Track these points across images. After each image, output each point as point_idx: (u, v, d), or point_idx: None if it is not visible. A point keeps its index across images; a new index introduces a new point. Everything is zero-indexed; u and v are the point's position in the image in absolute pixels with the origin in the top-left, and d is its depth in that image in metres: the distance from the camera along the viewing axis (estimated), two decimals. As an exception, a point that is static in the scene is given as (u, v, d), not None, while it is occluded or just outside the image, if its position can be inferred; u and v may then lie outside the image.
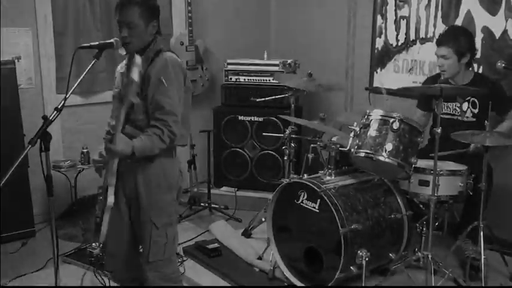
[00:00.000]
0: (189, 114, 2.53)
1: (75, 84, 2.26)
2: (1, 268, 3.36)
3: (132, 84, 2.23)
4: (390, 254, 3.11)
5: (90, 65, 2.27)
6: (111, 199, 2.32)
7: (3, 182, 1.95)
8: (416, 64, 4.16)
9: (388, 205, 3.18)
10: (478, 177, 3.13)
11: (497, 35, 3.62)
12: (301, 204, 3.12)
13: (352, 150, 3.08)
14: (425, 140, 3.58)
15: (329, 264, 2.99)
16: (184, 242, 3.72)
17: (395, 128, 2.99)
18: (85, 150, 4.14)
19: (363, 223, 2.99)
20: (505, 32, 3.58)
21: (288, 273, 3.23)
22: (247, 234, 3.91)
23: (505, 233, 3.49)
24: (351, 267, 2.92)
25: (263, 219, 3.75)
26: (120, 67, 2.56)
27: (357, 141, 3.08)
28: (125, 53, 2.40)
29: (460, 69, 3.42)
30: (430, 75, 3.88)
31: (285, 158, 3.72)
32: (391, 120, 3.01)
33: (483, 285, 3.01)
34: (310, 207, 3.07)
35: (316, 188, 3.00)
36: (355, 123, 3.12)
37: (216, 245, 3.63)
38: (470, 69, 3.53)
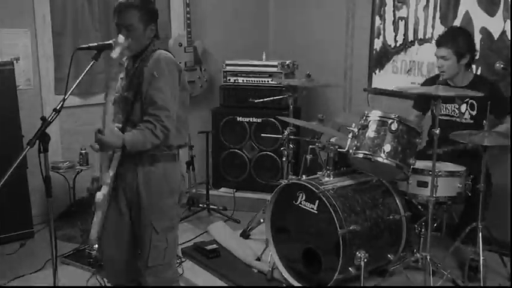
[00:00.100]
0: (188, 114, 2.53)
1: (74, 86, 2.25)
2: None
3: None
4: (389, 255, 3.11)
5: (89, 66, 2.26)
6: (99, 195, 2.32)
7: (1, 183, 1.95)
8: (415, 65, 4.16)
9: (387, 206, 3.18)
10: (477, 178, 3.13)
11: (496, 35, 3.62)
12: (300, 205, 3.12)
13: (351, 151, 3.08)
14: (424, 141, 3.58)
15: (327, 265, 2.99)
16: (183, 243, 3.71)
17: (393, 129, 2.99)
18: (83, 151, 4.13)
19: (362, 224, 2.98)
20: (503, 32, 3.58)
21: (286, 274, 3.23)
22: (245, 235, 3.91)
23: (504, 234, 3.48)
24: (350, 268, 2.92)
25: (262, 220, 3.75)
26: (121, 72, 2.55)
27: (356, 142, 3.08)
28: (115, 56, 2.30)
29: (459, 70, 3.42)
30: (429, 76, 3.88)
31: (284, 159, 3.72)
32: (390, 121, 3.01)
33: (482, 286, 3.01)
34: (308, 208, 3.07)
35: (314, 189, 3.00)
36: (354, 124, 3.12)
37: (214, 246, 3.62)
38: (470, 70, 3.54)
